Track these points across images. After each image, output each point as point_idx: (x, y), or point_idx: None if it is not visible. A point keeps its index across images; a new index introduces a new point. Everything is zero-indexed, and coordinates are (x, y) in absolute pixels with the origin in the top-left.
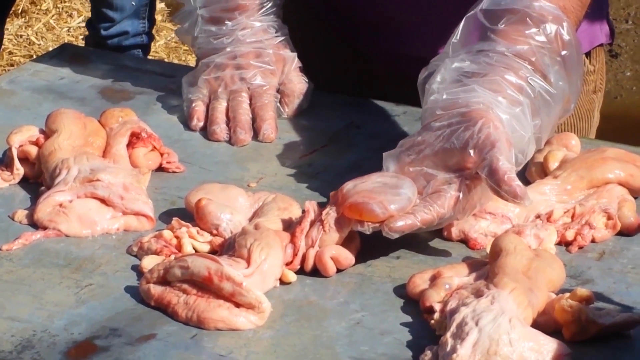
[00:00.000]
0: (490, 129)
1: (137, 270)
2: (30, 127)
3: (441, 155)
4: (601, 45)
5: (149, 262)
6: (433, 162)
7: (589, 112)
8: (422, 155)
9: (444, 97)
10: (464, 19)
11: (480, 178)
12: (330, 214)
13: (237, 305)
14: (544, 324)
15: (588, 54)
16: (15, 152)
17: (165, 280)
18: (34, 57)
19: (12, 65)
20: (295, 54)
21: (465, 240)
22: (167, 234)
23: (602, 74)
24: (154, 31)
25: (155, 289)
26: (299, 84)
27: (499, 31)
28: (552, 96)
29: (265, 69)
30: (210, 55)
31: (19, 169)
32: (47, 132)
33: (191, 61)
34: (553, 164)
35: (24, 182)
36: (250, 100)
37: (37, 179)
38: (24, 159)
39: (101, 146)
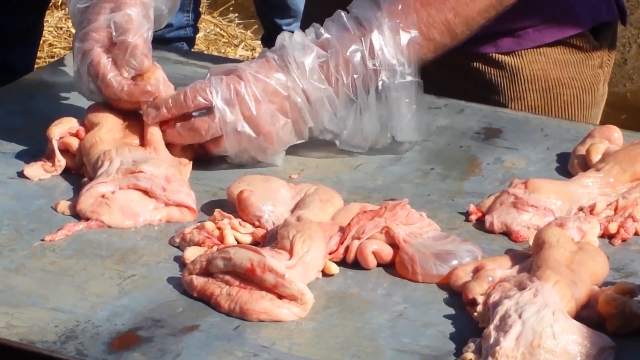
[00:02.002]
0: None
1: (180, 261)
2: (70, 119)
3: None
4: (609, 23)
5: (191, 254)
6: None
7: (593, 85)
8: None
9: None
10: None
11: None
12: (401, 229)
13: (280, 296)
14: (588, 317)
15: (594, 31)
16: (55, 144)
17: (207, 271)
18: None
19: (52, 57)
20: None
21: (507, 233)
22: (209, 225)
23: (609, 50)
24: None
25: (198, 280)
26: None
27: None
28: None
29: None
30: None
31: (61, 161)
32: (88, 125)
33: (230, 53)
34: (595, 157)
35: (66, 174)
36: None
37: (79, 171)
38: (65, 151)
39: (143, 137)
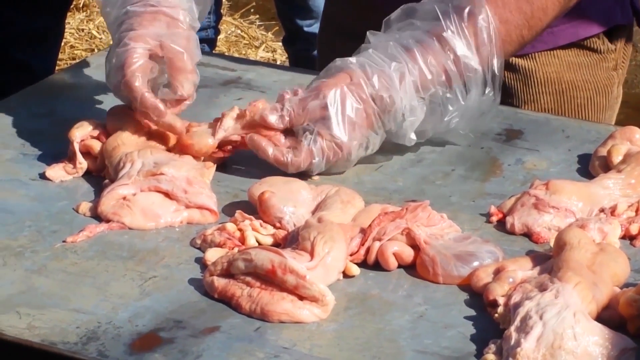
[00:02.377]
0: None
1: (201, 262)
2: (92, 122)
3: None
4: (623, 25)
5: (212, 255)
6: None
7: (607, 87)
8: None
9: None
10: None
11: None
12: (421, 230)
13: (301, 298)
14: (609, 318)
15: (608, 33)
16: (77, 147)
17: (228, 272)
18: (95, 50)
19: (73, 59)
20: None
21: (528, 234)
22: (230, 226)
23: (624, 52)
24: None
25: (219, 282)
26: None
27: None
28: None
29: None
30: None
31: (82, 163)
32: (109, 128)
33: (251, 54)
34: (617, 158)
35: (87, 175)
36: None
37: (100, 173)
38: (86, 153)
39: (165, 140)
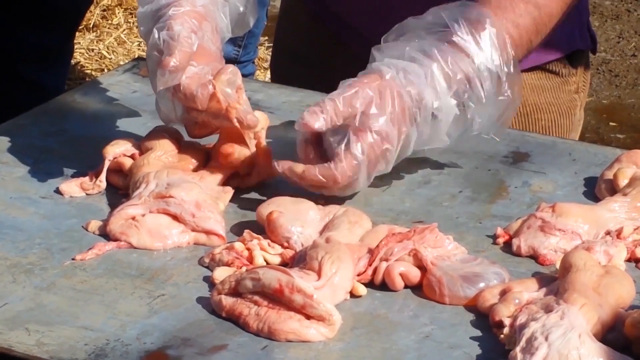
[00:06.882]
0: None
1: (209, 281)
2: (127, 141)
3: None
4: (582, 50)
5: (220, 274)
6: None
7: (570, 109)
8: None
9: None
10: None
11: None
12: (428, 251)
13: (308, 317)
14: (614, 340)
15: (569, 57)
16: (106, 164)
17: (236, 291)
18: (105, 70)
19: (83, 78)
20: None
21: (534, 256)
22: (238, 246)
23: (584, 76)
24: None
25: (227, 300)
26: None
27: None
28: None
29: None
30: None
31: (102, 182)
32: (142, 149)
33: (260, 75)
34: (623, 181)
35: (109, 193)
36: None
37: (127, 191)
38: (119, 171)
39: (194, 165)
